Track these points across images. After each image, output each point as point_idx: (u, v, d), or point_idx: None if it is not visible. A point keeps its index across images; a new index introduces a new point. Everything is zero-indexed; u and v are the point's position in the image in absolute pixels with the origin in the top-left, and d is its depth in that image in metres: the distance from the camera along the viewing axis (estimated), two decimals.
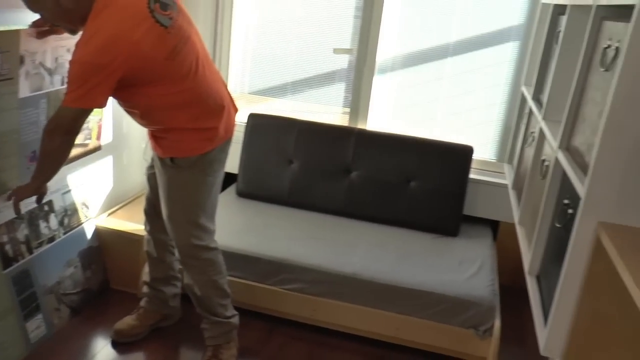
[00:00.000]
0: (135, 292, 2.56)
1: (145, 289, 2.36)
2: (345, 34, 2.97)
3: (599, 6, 1.37)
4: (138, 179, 2.92)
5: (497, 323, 2.31)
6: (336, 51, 2.99)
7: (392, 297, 2.37)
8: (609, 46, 1.27)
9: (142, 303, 2.37)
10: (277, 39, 3.09)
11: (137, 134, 2.84)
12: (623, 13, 1.29)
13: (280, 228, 2.73)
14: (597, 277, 1.16)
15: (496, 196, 2.87)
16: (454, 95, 2.95)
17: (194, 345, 2.33)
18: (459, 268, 2.54)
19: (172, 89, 1.80)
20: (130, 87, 1.76)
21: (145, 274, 2.37)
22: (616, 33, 1.25)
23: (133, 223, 2.63)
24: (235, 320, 2.22)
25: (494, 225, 3.01)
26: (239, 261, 2.45)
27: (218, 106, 1.95)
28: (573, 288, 1.20)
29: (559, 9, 2.03)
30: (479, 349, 2.34)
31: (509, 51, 2.80)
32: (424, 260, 2.57)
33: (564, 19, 1.82)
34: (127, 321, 2.34)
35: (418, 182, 2.85)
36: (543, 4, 2.42)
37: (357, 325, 2.44)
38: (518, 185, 2.20)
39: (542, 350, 1.29)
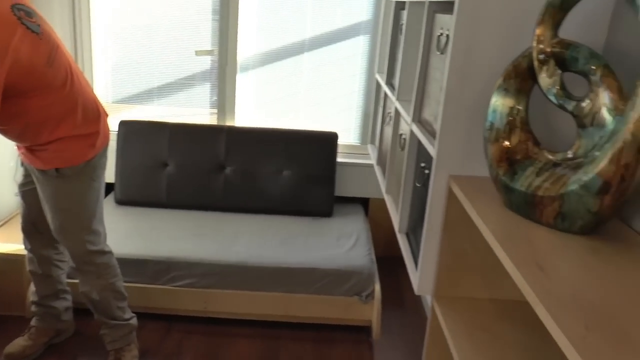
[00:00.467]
0: (22, 315, 2.49)
1: (34, 308, 2.32)
2: (205, 35, 3.09)
3: (430, 2, 1.65)
4: (9, 199, 2.82)
5: (377, 287, 2.58)
6: (198, 53, 3.10)
7: (278, 279, 2.55)
8: (441, 34, 1.55)
9: (33, 322, 2.33)
10: (138, 45, 3.13)
11: (3, 153, 2.74)
12: (448, 7, 1.57)
13: (163, 230, 2.80)
14: (453, 219, 1.42)
15: (364, 175, 3.16)
16: (315, 87, 3.19)
17: (91, 356, 2.34)
18: (337, 244, 2.78)
19: (52, 98, 1.82)
20: (13, 100, 1.74)
21: (33, 293, 2.33)
22: (445, 23, 1.52)
23: (11, 244, 2.56)
24: (134, 321, 2.27)
25: (364, 203, 3.31)
26: (129, 266, 2.49)
27: (95, 111, 2.00)
28: (435, 232, 1.46)
29: (400, 5, 2.33)
30: (364, 313, 2.59)
31: (360, 44, 3.09)
32: (305, 241, 2.78)
33: (404, 14, 2.11)
34: (19, 342, 2.28)
35: (290, 171, 3.05)
36: (386, 0, 2.72)
37: (249, 311, 2.59)
38: (382, 161, 2.48)
39: (417, 291, 1.54)
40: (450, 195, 1.41)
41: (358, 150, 3.27)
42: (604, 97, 1.06)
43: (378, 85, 2.83)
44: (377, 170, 2.55)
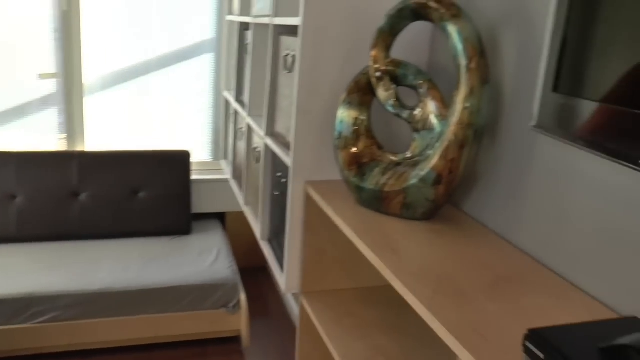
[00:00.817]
0: None
1: None
2: (49, 58, 2.97)
3: (275, 25, 1.80)
4: None
5: (243, 297, 2.68)
6: (42, 76, 2.98)
7: (146, 301, 2.54)
8: (287, 55, 1.70)
9: None
10: None
11: None
12: (292, 30, 1.74)
13: (18, 265, 2.64)
14: (312, 221, 1.58)
15: (219, 191, 3.24)
16: (165, 106, 3.21)
17: None
18: (199, 259, 2.83)
19: None
20: None
21: None
22: (290, 45, 1.68)
23: None
24: None
25: (221, 217, 3.38)
26: None
27: None
28: (297, 234, 1.61)
29: (245, 26, 2.46)
30: (233, 324, 2.67)
31: (206, 62, 3.18)
32: (166, 260, 2.79)
33: (250, 34, 2.24)
34: None
35: (145, 192, 3.04)
36: (228, 21, 2.84)
37: (120, 337, 2.54)
38: (237, 174, 2.59)
39: (285, 290, 1.67)
40: (308, 199, 1.56)
41: (211, 167, 3.34)
42: (431, 106, 1.28)
43: (227, 103, 2.94)
44: (234, 184, 2.65)
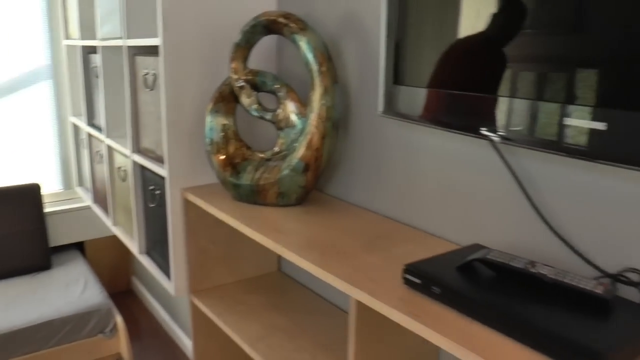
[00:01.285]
0: None
1: None
2: None
3: (129, 47, 1.89)
4: None
5: (119, 319, 2.68)
6: None
7: (20, 341, 2.44)
8: (147, 73, 1.80)
9: None
10: None
11: None
12: (148, 50, 1.84)
13: None
14: (193, 224, 1.70)
15: (75, 220, 3.17)
16: (5, 140, 3.06)
17: None
18: (67, 291, 2.76)
19: None
20: None
21: None
22: (149, 64, 1.79)
23: None
24: None
25: (79, 247, 3.30)
26: None
27: None
28: (180, 239, 1.72)
29: (89, 49, 2.48)
30: (113, 347, 2.66)
31: (46, 89, 3.09)
32: (32, 298, 2.69)
33: (97, 57, 2.28)
34: None
35: None
36: (67, 46, 2.81)
37: None
38: (99, 198, 2.59)
39: (175, 294, 1.77)
40: (187, 205, 1.68)
41: (64, 197, 3.25)
42: (291, 106, 1.48)
43: (76, 128, 2.90)
44: (97, 208, 2.64)
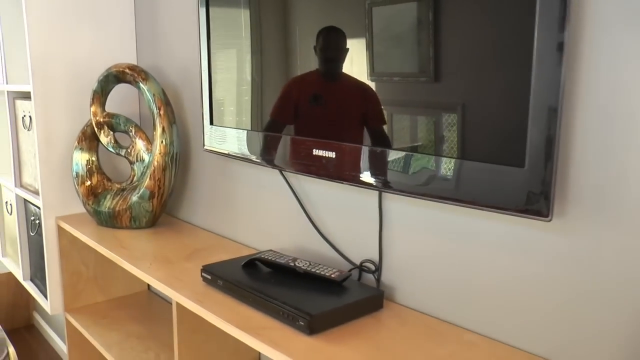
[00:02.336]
0: None
1: None
2: None
3: (9, 92, 2.12)
4: None
5: (12, 350, 2.80)
6: None
7: None
8: (24, 115, 2.03)
9: None
10: None
11: None
12: (27, 94, 2.07)
13: None
14: (66, 248, 1.92)
15: None
16: None
17: None
18: None
19: None
20: None
21: None
22: (26, 107, 2.02)
23: None
24: None
25: None
26: None
27: None
28: (54, 262, 1.93)
29: None
30: None
31: None
32: None
33: None
34: None
35: None
36: None
37: None
38: None
39: (51, 312, 1.97)
40: (61, 231, 1.91)
41: None
42: (140, 144, 1.76)
43: None
44: None
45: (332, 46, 1.14)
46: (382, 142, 1.05)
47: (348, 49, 1.09)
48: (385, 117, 1.04)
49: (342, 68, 1.11)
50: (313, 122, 1.19)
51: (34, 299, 3.61)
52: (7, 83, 2.11)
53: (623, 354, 0.85)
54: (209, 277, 1.27)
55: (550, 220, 0.84)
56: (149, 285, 2.16)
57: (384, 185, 1.06)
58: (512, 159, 0.86)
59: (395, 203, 1.18)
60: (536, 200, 0.84)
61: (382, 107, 1.04)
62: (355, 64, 1.08)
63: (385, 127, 1.04)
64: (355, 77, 1.08)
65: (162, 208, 1.73)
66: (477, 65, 0.88)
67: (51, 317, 3.38)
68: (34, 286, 2.20)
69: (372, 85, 1.05)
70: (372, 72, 1.05)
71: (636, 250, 0.82)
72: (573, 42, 0.86)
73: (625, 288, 0.84)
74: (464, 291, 1.07)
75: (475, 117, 0.90)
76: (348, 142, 1.11)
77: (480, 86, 0.89)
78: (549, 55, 0.79)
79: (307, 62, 1.19)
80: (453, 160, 0.94)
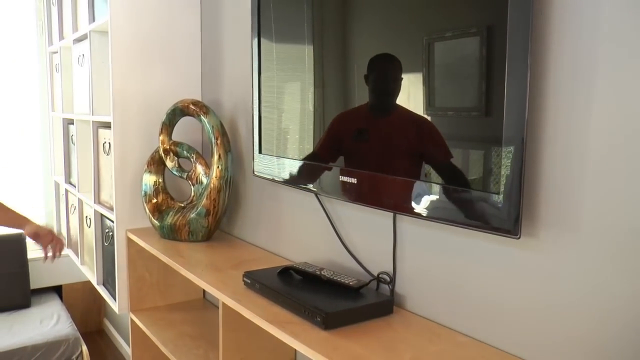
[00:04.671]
0: None
1: None
2: None
3: (94, 121, 2.46)
4: None
5: (85, 349, 3.13)
6: None
7: None
8: (105, 142, 2.36)
9: None
10: None
11: None
12: (108, 124, 2.40)
13: None
14: (133, 257, 2.21)
15: (55, 266, 3.66)
16: (3, 196, 3.60)
17: None
18: (41, 325, 3.23)
19: None
20: None
21: None
22: (107, 135, 2.35)
23: None
24: None
25: (57, 290, 3.79)
26: None
27: None
28: (123, 269, 2.22)
29: (69, 121, 3.05)
30: None
31: (36, 152, 3.66)
32: (9, 330, 3.15)
33: (74, 128, 2.85)
34: None
35: None
36: (53, 116, 3.40)
37: None
38: (73, 244, 3.10)
39: (118, 311, 2.26)
40: (130, 242, 2.20)
41: None
42: (199, 169, 2.03)
43: (57, 185, 3.45)
44: (70, 252, 3.15)
45: (385, 76, 1.30)
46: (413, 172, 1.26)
47: (402, 78, 1.23)
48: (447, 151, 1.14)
49: (395, 100, 1.25)
50: (344, 153, 1.41)
51: (104, 306, 3.97)
52: (92, 114, 2.45)
53: (592, 358, 1.02)
54: (249, 281, 1.50)
55: (519, 238, 1.02)
56: (204, 293, 2.42)
57: (398, 208, 1.26)
58: (491, 186, 1.05)
59: (405, 223, 1.37)
60: (509, 221, 1.02)
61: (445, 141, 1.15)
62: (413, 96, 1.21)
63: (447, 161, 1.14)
64: (412, 110, 1.21)
65: (217, 225, 1.99)
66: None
67: (118, 323, 3.71)
68: (105, 290, 2.51)
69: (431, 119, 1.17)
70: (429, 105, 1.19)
71: (592, 267, 0.99)
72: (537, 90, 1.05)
73: (588, 298, 1.01)
74: (458, 299, 1.25)
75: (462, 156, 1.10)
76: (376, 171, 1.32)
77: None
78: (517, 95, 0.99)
79: (354, 96, 1.42)
80: (461, 190, 1.13)
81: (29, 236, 2.16)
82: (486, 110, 1.06)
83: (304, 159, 1.54)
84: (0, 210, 2.14)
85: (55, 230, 2.33)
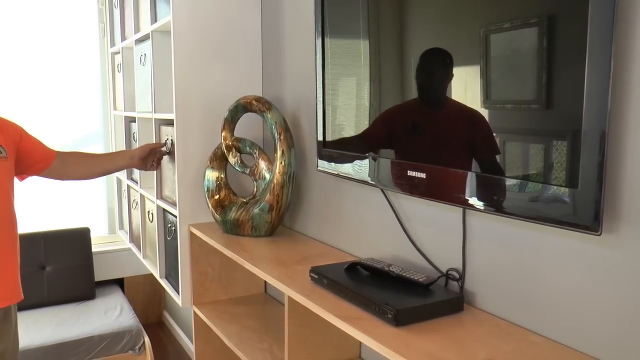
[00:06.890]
0: None
1: None
2: None
3: (156, 119, 2.52)
4: None
5: (147, 339, 3.22)
6: None
7: (62, 354, 3.01)
8: (167, 139, 2.41)
9: None
10: None
11: None
12: (169, 121, 2.46)
13: None
14: (196, 251, 2.26)
15: (117, 259, 3.78)
16: (65, 190, 3.74)
17: None
18: (106, 315, 3.34)
19: None
20: None
21: None
22: (169, 132, 2.39)
23: None
24: None
25: (120, 283, 3.91)
26: None
27: None
28: (186, 263, 2.27)
29: (130, 119, 3.14)
30: None
31: (99, 149, 3.79)
32: (77, 320, 3.27)
33: (135, 125, 2.93)
34: None
35: (51, 266, 3.52)
36: (115, 115, 3.50)
37: None
38: (135, 237, 3.19)
39: (182, 305, 2.31)
40: (192, 236, 2.25)
41: (109, 240, 3.89)
42: (262, 164, 2.05)
43: (119, 182, 3.55)
44: (132, 246, 3.24)
45: (433, 70, 1.32)
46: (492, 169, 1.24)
47: (453, 74, 1.25)
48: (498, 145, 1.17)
49: (445, 93, 1.28)
50: (412, 147, 1.40)
51: (165, 298, 4.07)
52: (154, 112, 2.51)
53: None
54: (316, 276, 1.51)
55: (599, 235, 0.99)
56: (265, 288, 2.45)
57: (468, 203, 1.24)
58: (569, 180, 1.02)
59: (475, 218, 1.35)
60: (588, 217, 0.99)
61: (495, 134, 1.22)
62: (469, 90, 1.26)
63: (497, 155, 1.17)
64: (465, 104, 1.23)
65: (280, 220, 2.01)
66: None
67: (178, 315, 3.81)
68: (168, 283, 2.57)
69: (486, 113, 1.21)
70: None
71: None
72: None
73: None
74: (531, 297, 1.22)
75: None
76: (444, 165, 1.31)
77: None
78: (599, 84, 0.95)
79: (412, 90, 1.41)
80: (535, 184, 1.11)
81: (137, 168, 2.39)
82: (565, 102, 1.02)
83: (369, 154, 1.53)
84: (100, 158, 2.29)
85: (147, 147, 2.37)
